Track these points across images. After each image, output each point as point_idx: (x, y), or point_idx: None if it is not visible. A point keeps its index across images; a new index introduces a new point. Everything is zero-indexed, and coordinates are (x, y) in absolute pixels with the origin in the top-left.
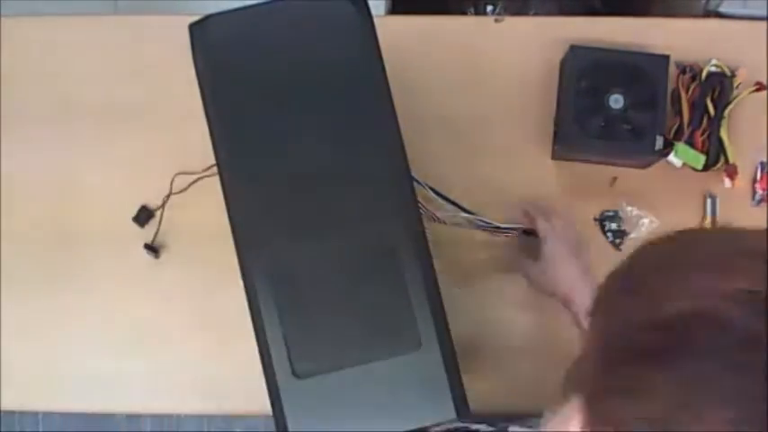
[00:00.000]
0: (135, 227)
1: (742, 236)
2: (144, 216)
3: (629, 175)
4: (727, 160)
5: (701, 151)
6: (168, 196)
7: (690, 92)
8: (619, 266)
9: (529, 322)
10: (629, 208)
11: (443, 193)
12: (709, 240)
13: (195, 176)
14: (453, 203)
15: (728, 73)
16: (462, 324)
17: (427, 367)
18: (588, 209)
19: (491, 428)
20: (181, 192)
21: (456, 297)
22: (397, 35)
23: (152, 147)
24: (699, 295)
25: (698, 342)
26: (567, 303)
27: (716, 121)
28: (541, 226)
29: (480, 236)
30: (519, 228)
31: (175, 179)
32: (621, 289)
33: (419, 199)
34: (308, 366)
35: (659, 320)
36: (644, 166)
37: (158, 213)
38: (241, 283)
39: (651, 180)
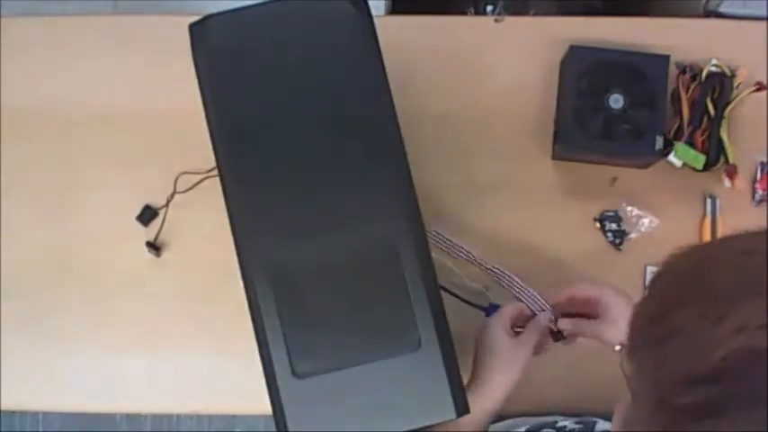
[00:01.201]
0: (137, 226)
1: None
2: (147, 215)
3: (629, 175)
4: (727, 160)
5: (701, 151)
6: (172, 195)
7: (690, 92)
8: (646, 299)
9: None
10: (629, 208)
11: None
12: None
13: (200, 176)
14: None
15: (728, 73)
16: (463, 323)
17: (427, 367)
18: (588, 209)
19: (579, 425)
20: (185, 191)
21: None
22: (397, 35)
23: (153, 147)
24: (745, 330)
25: (756, 386)
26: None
27: (716, 121)
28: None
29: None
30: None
31: (179, 179)
32: (654, 338)
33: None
34: (308, 366)
35: (706, 371)
36: (644, 166)
37: (162, 213)
38: (241, 282)
39: (651, 180)
